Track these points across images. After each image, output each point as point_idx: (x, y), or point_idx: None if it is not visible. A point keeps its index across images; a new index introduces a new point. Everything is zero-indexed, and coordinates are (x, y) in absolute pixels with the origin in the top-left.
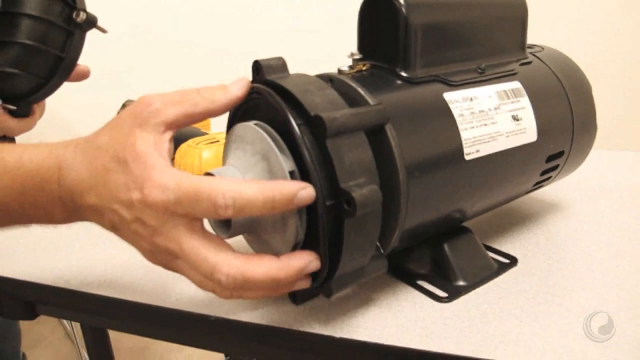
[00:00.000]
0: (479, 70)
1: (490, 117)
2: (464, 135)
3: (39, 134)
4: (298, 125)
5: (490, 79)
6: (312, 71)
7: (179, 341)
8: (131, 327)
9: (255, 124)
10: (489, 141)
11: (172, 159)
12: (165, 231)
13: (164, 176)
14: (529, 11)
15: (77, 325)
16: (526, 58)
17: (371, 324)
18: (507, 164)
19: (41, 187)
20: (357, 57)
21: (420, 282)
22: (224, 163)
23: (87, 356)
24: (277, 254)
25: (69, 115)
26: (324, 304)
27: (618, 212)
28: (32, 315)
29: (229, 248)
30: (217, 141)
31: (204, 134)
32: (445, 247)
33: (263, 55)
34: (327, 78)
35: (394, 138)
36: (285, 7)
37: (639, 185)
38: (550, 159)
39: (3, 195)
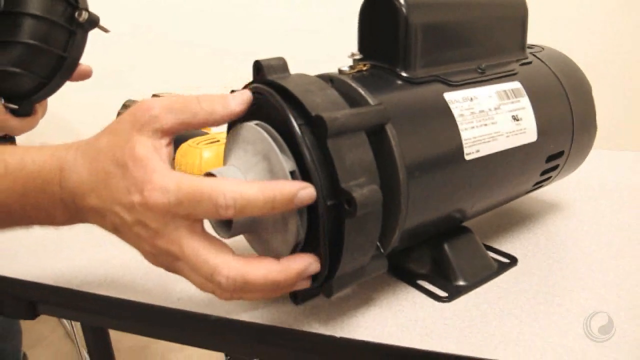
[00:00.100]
0: (479, 71)
1: (490, 117)
2: (464, 135)
3: (41, 134)
4: (299, 125)
5: (491, 79)
6: (313, 71)
7: (179, 341)
8: (132, 327)
9: (256, 124)
10: (489, 141)
11: (173, 159)
12: (166, 233)
13: (165, 179)
14: (529, 11)
15: (77, 325)
16: (526, 58)
17: (371, 324)
18: (507, 164)
19: (43, 189)
20: (358, 57)
21: (421, 282)
22: (224, 163)
23: (87, 356)
24: (277, 253)
25: (70, 114)
26: (324, 304)
27: (618, 212)
28: (33, 314)
29: (229, 250)
30: (218, 141)
31: (205, 133)
32: (446, 247)
33: (264, 55)
34: (327, 78)
35: (395, 138)
36: (285, 7)
37: (639, 185)
38: (550, 159)
39: (5, 197)
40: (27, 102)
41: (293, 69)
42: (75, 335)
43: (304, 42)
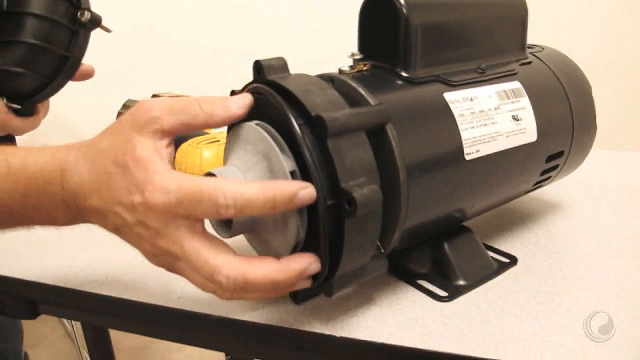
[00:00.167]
0: (479, 70)
1: (490, 117)
2: (464, 135)
3: (43, 133)
4: (299, 125)
5: (491, 79)
6: (313, 71)
7: (180, 341)
8: (133, 327)
9: (257, 124)
10: (489, 141)
11: (174, 159)
12: (167, 233)
13: (165, 179)
14: (529, 11)
15: (77, 325)
16: (526, 58)
17: (372, 323)
18: (507, 164)
19: (44, 189)
20: (358, 57)
21: (421, 282)
22: (225, 163)
23: (87, 355)
24: (277, 253)
25: (72, 114)
26: (324, 303)
27: (618, 212)
28: (34, 314)
29: (230, 250)
30: (218, 141)
31: (205, 133)
32: (446, 246)
33: (264, 55)
34: (328, 78)
35: (395, 138)
36: (286, 7)
37: (639, 185)
38: (550, 158)
39: (7, 198)
40: (30, 102)
41: (293, 69)
42: (75, 335)
43: (304, 42)
